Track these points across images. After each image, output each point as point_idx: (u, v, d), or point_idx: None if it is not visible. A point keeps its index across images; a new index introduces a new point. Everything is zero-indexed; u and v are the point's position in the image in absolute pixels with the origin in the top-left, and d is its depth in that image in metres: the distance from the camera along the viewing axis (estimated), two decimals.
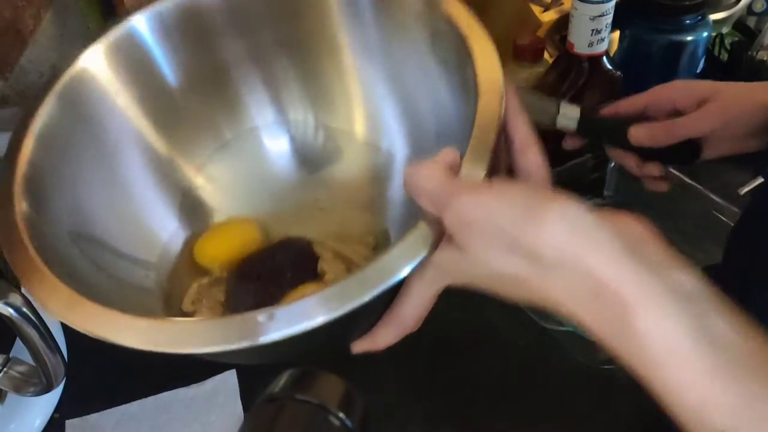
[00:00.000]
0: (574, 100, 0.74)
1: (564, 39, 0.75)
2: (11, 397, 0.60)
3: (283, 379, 0.41)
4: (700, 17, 0.77)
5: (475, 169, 0.32)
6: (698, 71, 0.80)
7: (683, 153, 0.55)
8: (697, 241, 0.71)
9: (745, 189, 0.48)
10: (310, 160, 0.50)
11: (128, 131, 0.45)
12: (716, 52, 0.86)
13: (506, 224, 0.29)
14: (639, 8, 0.78)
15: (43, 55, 0.81)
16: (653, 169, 0.57)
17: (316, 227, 0.48)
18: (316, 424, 0.38)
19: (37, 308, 0.51)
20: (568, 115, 0.56)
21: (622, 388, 0.62)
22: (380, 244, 0.47)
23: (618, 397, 0.61)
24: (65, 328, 0.69)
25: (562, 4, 0.85)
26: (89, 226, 0.42)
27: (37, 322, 0.50)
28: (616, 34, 0.81)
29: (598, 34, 0.70)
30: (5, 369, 0.54)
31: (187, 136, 0.49)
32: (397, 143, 0.48)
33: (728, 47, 0.86)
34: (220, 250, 0.47)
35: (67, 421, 0.62)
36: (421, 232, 0.30)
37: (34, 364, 0.53)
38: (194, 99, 0.48)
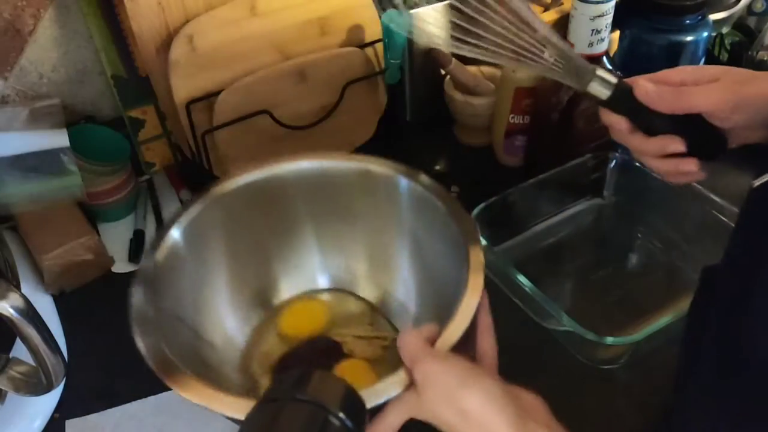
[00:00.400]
0: (574, 100, 0.74)
1: (564, 39, 0.75)
2: (11, 397, 0.60)
3: (283, 380, 0.41)
4: (700, 17, 0.77)
5: (444, 344, 0.46)
6: None
7: (709, 145, 0.53)
8: (698, 241, 0.71)
9: (758, 182, 0.47)
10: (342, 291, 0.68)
11: (219, 264, 0.62)
12: (716, 52, 0.86)
13: (449, 387, 0.42)
14: (639, 8, 0.78)
15: (43, 55, 0.81)
16: (689, 164, 0.54)
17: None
18: (316, 424, 0.38)
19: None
20: (604, 80, 0.53)
21: (623, 388, 0.62)
22: (377, 323, 0.65)
23: (618, 397, 0.61)
24: (65, 328, 0.69)
25: (562, 4, 0.85)
26: (186, 315, 0.57)
27: (37, 322, 0.50)
28: (616, 34, 0.81)
29: (597, 34, 0.70)
30: (5, 369, 0.54)
31: (260, 273, 0.65)
32: (409, 295, 0.64)
33: (728, 47, 0.86)
34: (301, 321, 0.64)
35: (67, 421, 0.62)
36: (400, 377, 0.45)
37: (34, 364, 0.53)
38: (271, 248, 0.65)
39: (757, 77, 0.50)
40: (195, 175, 0.84)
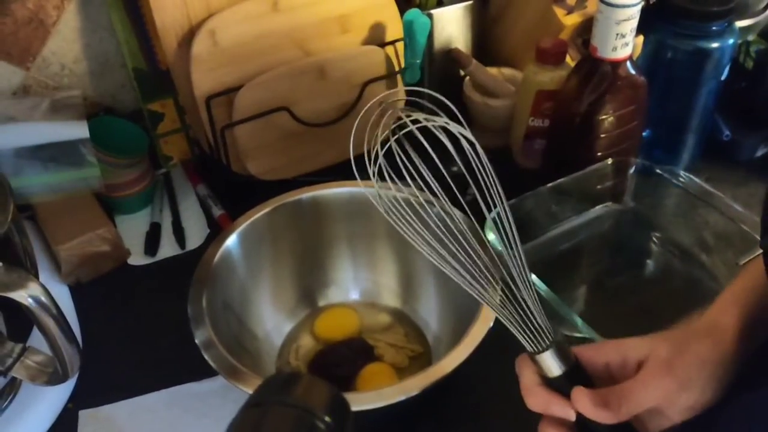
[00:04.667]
0: (596, 104, 0.73)
1: (587, 43, 0.75)
2: (26, 386, 0.60)
3: (269, 384, 0.40)
4: (726, 24, 0.76)
5: (442, 370, 0.54)
6: (723, 78, 0.79)
7: None
8: (717, 252, 0.70)
9: (744, 260, 0.45)
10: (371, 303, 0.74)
11: (265, 269, 0.70)
12: (741, 60, 0.85)
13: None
14: (664, 13, 0.77)
15: (66, 47, 0.81)
16: None
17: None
18: (303, 428, 0.37)
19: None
20: (563, 354, 0.43)
21: None
22: (408, 333, 0.70)
23: None
24: (80, 319, 0.70)
25: (586, 7, 0.84)
26: (234, 306, 0.65)
27: (55, 311, 0.50)
28: (640, 38, 0.81)
29: (622, 38, 0.69)
30: (22, 358, 0.55)
31: (299, 281, 0.72)
32: (431, 313, 0.71)
33: (753, 55, 0.85)
34: (335, 326, 0.70)
35: (80, 411, 0.62)
36: (402, 386, 0.54)
37: (50, 354, 0.53)
38: (310, 259, 0.72)
39: (688, 340, 0.43)
40: (212, 169, 0.85)
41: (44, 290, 0.50)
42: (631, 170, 0.76)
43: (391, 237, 0.70)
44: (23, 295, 0.49)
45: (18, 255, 0.59)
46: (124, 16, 0.79)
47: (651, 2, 0.78)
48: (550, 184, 0.73)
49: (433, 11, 0.86)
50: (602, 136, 0.75)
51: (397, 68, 0.86)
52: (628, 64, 0.72)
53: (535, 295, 0.43)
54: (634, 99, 0.74)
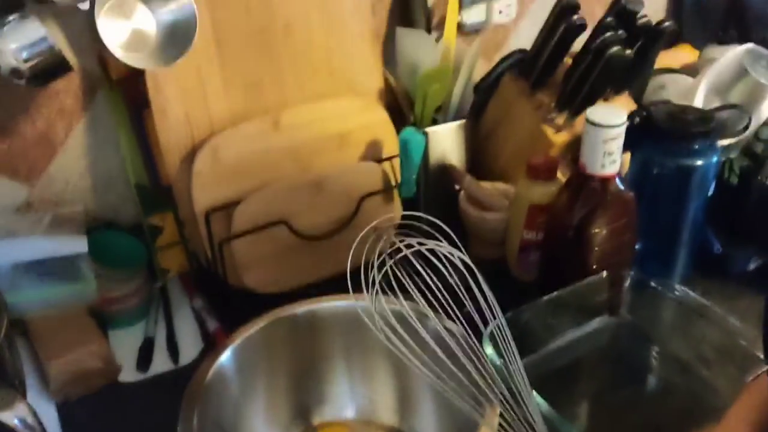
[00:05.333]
0: (588, 219, 0.75)
1: (576, 159, 0.77)
2: None
3: None
4: (708, 143, 0.79)
5: None
6: (710, 194, 0.81)
7: None
8: (717, 366, 0.69)
9: (751, 377, 0.46)
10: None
11: (259, 386, 0.68)
12: (726, 176, 0.88)
13: None
14: (649, 132, 0.80)
15: (72, 164, 0.83)
16: None
17: None
18: None
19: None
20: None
21: None
22: None
23: None
24: None
25: (574, 125, 0.88)
26: (226, 425, 0.64)
27: None
28: (627, 155, 0.83)
29: (610, 156, 0.72)
30: None
31: (295, 398, 0.70)
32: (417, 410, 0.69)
33: (737, 172, 0.88)
34: None
35: None
36: None
37: None
38: (306, 375, 0.70)
39: None
40: (209, 283, 0.85)
41: (31, 411, 0.49)
42: (626, 283, 0.77)
43: (388, 351, 0.69)
44: (10, 416, 0.48)
45: (7, 371, 0.58)
46: (130, 134, 0.82)
47: (635, 122, 0.82)
48: (546, 297, 0.73)
49: (428, 129, 0.89)
50: (595, 249, 0.76)
51: (393, 183, 0.88)
52: (617, 180, 0.74)
53: (538, 410, 0.42)
54: (624, 213, 0.76)
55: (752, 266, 0.88)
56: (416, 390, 0.69)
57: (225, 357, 0.64)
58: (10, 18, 0.66)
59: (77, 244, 0.76)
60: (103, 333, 0.77)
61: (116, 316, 0.81)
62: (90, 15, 0.66)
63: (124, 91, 0.80)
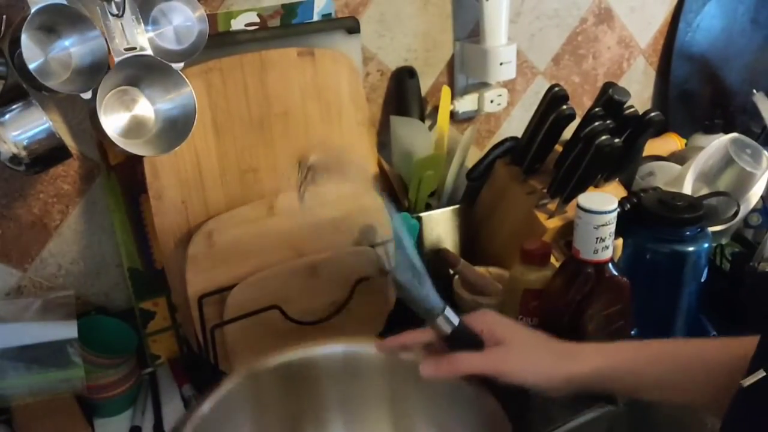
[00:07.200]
0: (582, 304, 0.75)
1: (569, 244, 0.78)
2: None
3: None
4: (699, 229, 0.80)
5: None
6: (703, 280, 0.82)
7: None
8: None
9: (748, 382, 0.46)
10: None
11: None
12: (718, 262, 0.88)
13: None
14: (640, 218, 0.81)
15: (65, 248, 0.83)
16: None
17: None
18: None
19: None
20: (449, 319, 0.60)
21: None
22: None
23: None
24: None
25: (566, 211, 0.89)
26: None
27: None
28: (620, 240, 0.84)
29: (602, 242, 0.73)
30: None
31: None
32: None
33: (729, 257, 0.88)
34: None
35: None
36: None
37: None
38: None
39: (536, 352, 0.60)
40: (200, 369, 0.83)
41: None
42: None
43: (387, 400, 0.67)
44: None
45: None
46: (125, 219, 0.83)
47: (626, 208, 0.83)
48: None
49: (422, 214, 0.90)
50: (591, 335, 0.76)
51: (387, 267, 0.88)
52: (610, 265, 0.75)
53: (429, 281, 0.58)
54: (618, 299, 0.76)
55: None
56: None
57: (205, 410, 0.60)
58: (14, 106, 0.68)
59: (66, 330, 0.74)
60: (89, 422, 0.74)
61: (103, 404, 0.79)
62: (91, 103, 0.67)
63: (122, 177, 0.82)
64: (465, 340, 0.61)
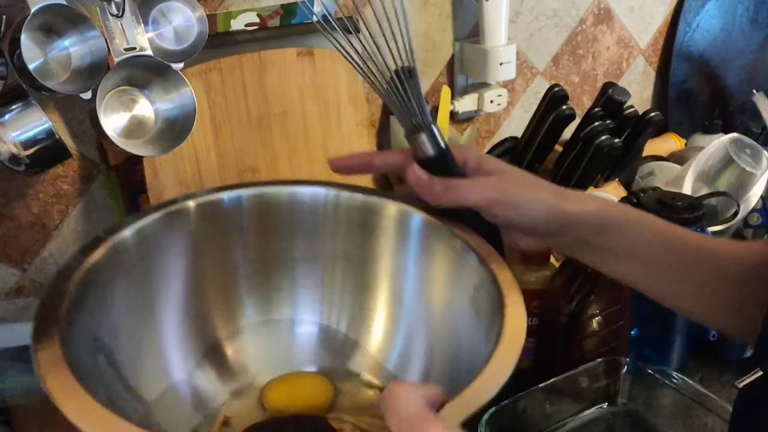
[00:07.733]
0: (582, 304, 0.75)
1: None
2: None
3: None
4: (699, 229, 0.79)
5: (455, 416, 0.35)
6: None
7: (486, 231, 0.54)
8: None
9: (744, 382, 0.46)
10: (331, 360, 0.57)
11: (176, 282, 0.52)
12: None
13: None
14: None
15: (64, 248, 0.83)
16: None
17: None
18: None
19: None
20: (436, 138, 0.53)
21: None
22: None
23: None
24: None
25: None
26: (109, 344, 0.45)
27: None
28: None
29: None
30: None
31: (232, 304, 0.55)
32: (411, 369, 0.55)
33: None
34: (290, 397, 0.52)
35: None
36: None
37: None
38: (254, 277, 0.56)
39: (534, 184, 0.54)
40: None
41: None
42: (623, 370, 0.75)
43: (371, 259, 0.57)
44: None
45: None
46: (125, 217, 0.83)
47: None
48: (542, 384, 0.72)
49: None
50: (590, 335, 0.76)
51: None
52: None
53: (420, 85, 0.52)
54: (618, 299, 0.76)
55: (748, 353, 0.87)
56: (412, 332, 0.56)
57: (126, 234, 0.49)
58: (13, 107, 0.68)
59: None
60: None
61: None
62: (91, 103, 0.67)
63: (121, 177, 0.82)
64: (448, 167, 0.53)
